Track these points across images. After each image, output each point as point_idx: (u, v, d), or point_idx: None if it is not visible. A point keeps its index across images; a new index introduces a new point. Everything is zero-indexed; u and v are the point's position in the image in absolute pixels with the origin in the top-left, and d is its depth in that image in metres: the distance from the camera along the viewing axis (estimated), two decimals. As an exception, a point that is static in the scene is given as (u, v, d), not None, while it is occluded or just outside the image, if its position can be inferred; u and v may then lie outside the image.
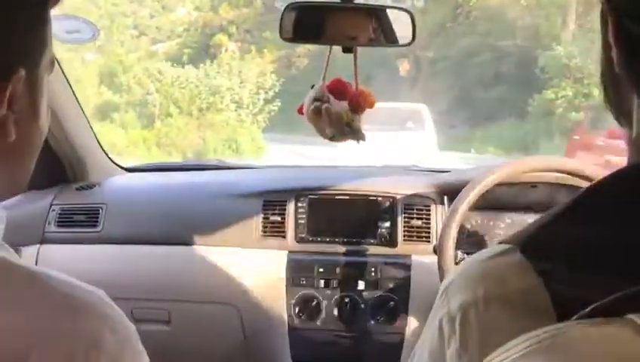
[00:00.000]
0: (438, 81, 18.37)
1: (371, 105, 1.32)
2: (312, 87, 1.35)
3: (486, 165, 1.78)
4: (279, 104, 15.58)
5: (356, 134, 1.31)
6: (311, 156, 10.30)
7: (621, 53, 0.54)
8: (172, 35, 21.27)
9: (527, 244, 0.53)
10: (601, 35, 0.58)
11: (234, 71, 16.51)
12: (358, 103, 1.29)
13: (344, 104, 1.30)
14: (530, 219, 1.06)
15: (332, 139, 1.32)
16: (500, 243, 0.57)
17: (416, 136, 10.86)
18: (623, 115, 0.60)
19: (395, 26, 1.31)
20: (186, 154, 13.84)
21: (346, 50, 1.28)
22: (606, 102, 0.62)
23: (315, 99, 1.31)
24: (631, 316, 0.37)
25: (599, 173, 1.48)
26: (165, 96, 15.60)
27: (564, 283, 0.48)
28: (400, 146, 9.39)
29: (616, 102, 0.60)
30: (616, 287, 0.41)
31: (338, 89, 1.32)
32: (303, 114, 1.35)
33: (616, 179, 0.53)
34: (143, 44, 21.26)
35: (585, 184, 1.46)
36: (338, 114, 1.28)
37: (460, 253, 1.69)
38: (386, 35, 1.32)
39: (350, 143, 1.38)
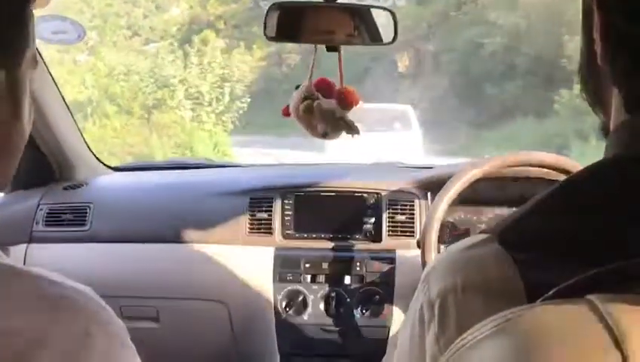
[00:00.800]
0: (442, 76, 16.45)
1: (357, 102, 1.33)
2: (297, 87, 1.37)
3: (469, 161, 1.81)
4: (248, 100, 13.78)
5: (350, 128, 1.32)
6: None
7: (606, 48, 0.55)
8: (165, 35, 20.90)
9: (505, 234, 0.55)
10: (583, 29, 0.60)
11: (217, 70, 14.14)
12: (346, 100, 1.31)
13: (333, 101, 1.32)
14: (509, 212, 1.09)
15: (325, 136, 1.33)
16: (480, 233, 0.59)
17: (403, 137, 10.98)
18: (600, 105, 0.62)
19: (377, 25, 1.33)
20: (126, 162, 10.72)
21: (330, 48, 1.30)
22: (583, 93, 0.64)
23: (305, 98, 1.33)
24: (589, 296, 0.39)
25: (579, 166, 1.51)
26: (100, 90, 13.39)
27: (537, 270, 0.50)
28: (387, 147, 9.32)
29: (595, 94, 0.62)
30: (581, 273, 0.43)
31: (324, 87, 1.34)
32: (288, 115, 1.36)
33: (592, 171, 0.55)
34: (135, 44, 21.06)
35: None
36: (331, 110, 1.30)
37: (443, 247, 1.72)
38: (368, 34, 1.34)
39: (337, 143, 1.39)
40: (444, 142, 11.74)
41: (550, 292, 0.43)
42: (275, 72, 19.94)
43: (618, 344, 0.36)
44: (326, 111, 1.30)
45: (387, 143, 9.71)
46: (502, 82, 14.86)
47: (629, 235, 0.47)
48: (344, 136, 1.36)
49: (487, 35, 15.55)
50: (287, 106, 1.38)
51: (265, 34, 1.31)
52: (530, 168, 1.66)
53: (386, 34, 1.31)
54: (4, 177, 0.69)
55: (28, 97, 0.68)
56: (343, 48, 1.33)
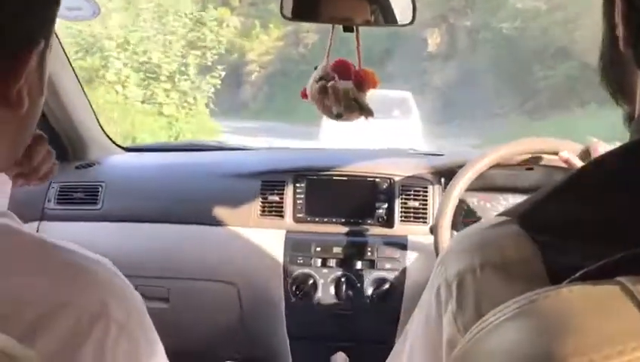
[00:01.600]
0: (480, 56, 14.51)
1: (375, 85, 1.32)
2: (315, 68, 1.36)
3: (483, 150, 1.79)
4: (222, 73, 11.29)
5: (364, 110, 1.31)
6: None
7: (630, 31, 0.54)
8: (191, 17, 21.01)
9: (525, 217, 0.54)
10: (604, 15, 0.59)
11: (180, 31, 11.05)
12: (363, 81, 1.29)
13: (349, 82, 1.30)
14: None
15: (338, 117, 1.31)
16: (498, 216, 0.58)
17: (402, 125, 10.79)
18: (623, 94, 0.61)
19: (394, 6, 1.32)
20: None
21: (347, 29, 1.29)
22: (603, 82, 0.63)
23: (321, 78, 1.32)
24: (620, 278, 0.38)
25: (596, 154, 1.49)
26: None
27: (559, 253, 0.49)
28: (384, 135, 9.08)
29: (618, 82, 0.61)
30: (608, 256, 0.42)
31: (342, 68, 1.33)
32: (306, 97, 1.35)
33: (614, 155, 0.54)
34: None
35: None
36: (345, 90, 1.28)
37: (455, 233, 1.70)
38: (385, 15, 1.33)
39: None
40: (482, 134, 10.84)
41: (578, 274, 0.42)
42: (292, 53, 19.57)
43: None
44: (340, 92, 1.28)
45: (385, 130, 9.38)
46: (555, 63, 12.77)
47: None
48: (358, 118, 1.34)
49: (536, 11, 13.31)
50: (305, 89, 1.36)
51: (281, 13, 1.30)
52: (545, 156, 1.63)
53: (404, 14, 1.30)
54: (22, 147, 0.70)
55: (47, 73, 0.69)
56: (361, 28, 1.31)
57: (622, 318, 0.36)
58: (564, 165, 1.56)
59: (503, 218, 0.56)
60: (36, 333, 0.57)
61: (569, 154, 1.46)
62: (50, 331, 0.58)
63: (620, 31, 0.55)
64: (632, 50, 0.54)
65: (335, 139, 9.30)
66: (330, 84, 1.28)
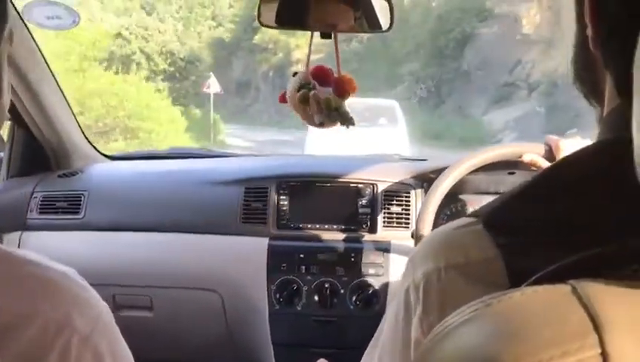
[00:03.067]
0: None
1: (354, 91, 1.32)
2: (294, 74, 1.36)
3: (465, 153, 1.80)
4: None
5: (345, 119, 1.31)
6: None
7: (597, 31, 0.55)
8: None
9: (490, 218, 0.55)
10: (576, 15, 0.59)
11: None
12: (343, 89, 1.30)
13: (329, 90, 1.31)
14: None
15: (321, 125, 1.32)
16: (467, 216, 0.59)
17: (389, 133, 10.96)
18: (594, 94, 0.62)
19: (376, 11, 1.32)
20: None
21: (325, 35, 1.29)
22: (576, 82, 0.64)
23: (301, 87, 1.32)
24: (571, 281, 0.39)
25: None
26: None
27: (519, 255, 0.50)
28: (372, 141, 9.15)
29: (589, 82, 0.62)
30: (566, 259, 0.42)
31: (321, 76, 1.33)
32: (285, 102, 1.35)
33: (578, 157, 0.54)
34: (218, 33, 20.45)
35: None
36: (327, 100, 1.29)
37: None
38: (368, 21, 1.33)
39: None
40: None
41: (532, 278, 0.43)
42: (344, 50, 18.85)
43: (597, 327, 0.35)
44: (322, 102, 1.28)
45: (372, 138, 9.54)
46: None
47: (611, 220, 0.47)
48: (340, 126, 1.35)
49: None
50: (284, 93, 1.37)
51: (259, 21, 1.30)
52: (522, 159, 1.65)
53: (384, 20, 1.31)
54: None
55: (6, 74, 0.68)
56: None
57: (568, 320, 0.36)
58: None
59: (470, 219, 0.57)
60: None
61: (532, 155, 1.47)
62: (13, 342, 0.57)
63: (589, 31, 0.56)
64: (600, 51, 0.55)
65: (322, 147, 9.38)
66: (311, 93, 1.28)
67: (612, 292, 0.38)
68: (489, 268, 0.51)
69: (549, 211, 0.51)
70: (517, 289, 0.41)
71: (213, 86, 18.12)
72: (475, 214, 0.57)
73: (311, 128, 10.67)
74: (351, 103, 1.33)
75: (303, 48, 22.42)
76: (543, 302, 0.39)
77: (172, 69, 26.31)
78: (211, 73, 19.58)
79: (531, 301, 0.39)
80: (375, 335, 0.67)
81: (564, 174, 0.54)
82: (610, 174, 0.50)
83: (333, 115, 1.30)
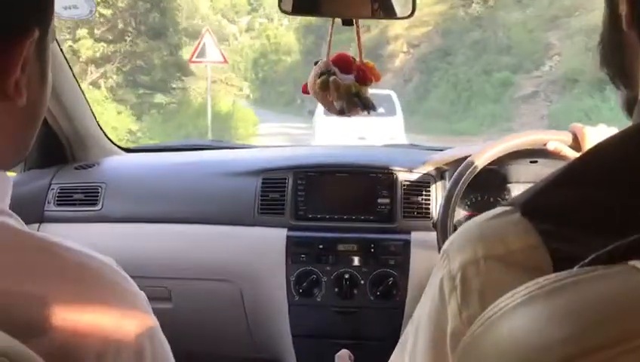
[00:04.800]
0: None
1: (378, 78, 1.30)
2: (316, 63, 1.34)
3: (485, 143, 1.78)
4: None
5: (366, 104, 1.29)
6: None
7: (632, 9, 0.53)
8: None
9: (528, 205, 0.54)
10: None
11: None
12: (365, 75, 1.28)
13: (350, 77, 1.29)
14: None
15: (341, 112, 1.30)
16: (501, 206, 0.57)
17: (387, 121, 11.61)
18: (623, 77, 0.60)
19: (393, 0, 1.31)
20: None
21: (346, 22, 1.27)
22: (602, 65, 0.62)
23: (321, 74, 1.30)
24: (631, 262, 0.37)
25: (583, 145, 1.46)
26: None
27: (563, 241, 0.49)
28: (373, 129, 10.24)
29: (617, 65, 0.60)
30: (609, 244, 0.41)
31: (343, 63, 1.31)
32: (307, 93, 1.33)
33: (616, 141, 0.53)
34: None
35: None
36: (346, 85, 1.27)
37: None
38: (386, 8, 1.31)
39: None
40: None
41: (587, 259, 0.41)
42: (457, 20, 16.39)
43: None
44: (342, 87, 1.26)
45: (372, 127, 10.40)
46: None
47: None
48: (360, 113, 1.33)
49: None
50: (305, 85, 1.35)
51: (280, 7, 1.28)
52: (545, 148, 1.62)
53: (405, 7, 1.29)
54: (26, 144, 0.69)
55: (50, 66, 0.68)
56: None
57: (632, 302, 0.35)
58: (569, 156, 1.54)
59: (505, 208, 0.56)
60: (42, 334, 0.56)
61: (556, 143, 1.44)
62: (56, 331, 0.57)
63: (623, 9, 0.54)
64: (636, 30, 0.53)
65: (329, 137, 10.01)
66: (332, 79, 1.26)
67: None
68: (531, 256, 0.50)
69: (589, 197, 0.50)
70: (574, 271, 0.39)
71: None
72: (510, 203, 0.56)
73: (317, 119, 11.11)
74: None
75: (403, 21, 20.02)
76: (605, 280, 0.37)
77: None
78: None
79: (592, 280, 0.38)
80: (407, 327, 0.66)
81: (603, 159, 0.52)
82: None
83: (354, 100, 1.28)
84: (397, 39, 19.90)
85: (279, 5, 1.28)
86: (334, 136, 9.61)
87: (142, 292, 0.67)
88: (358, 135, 9.99)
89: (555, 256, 0.49)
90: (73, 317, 0.58)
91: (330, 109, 1.30)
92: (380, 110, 11.68)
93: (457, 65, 15.90)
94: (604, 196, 0.49)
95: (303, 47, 25.75)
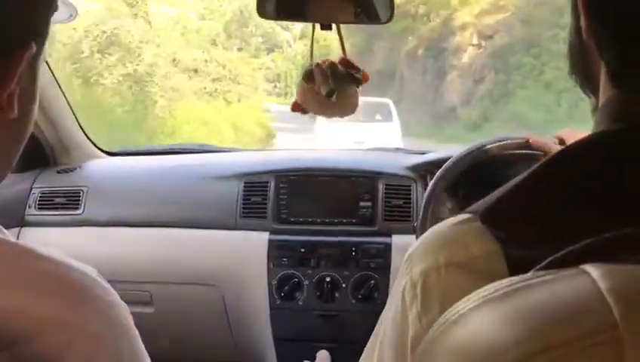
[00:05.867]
0: None
1: (366, 78, 1.28)
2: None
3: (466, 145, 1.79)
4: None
5: (354, 77, 1.25)
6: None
7: (589, 21, 0.55)
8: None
9: (487, 213, 0.55)
10: (571, 5, 0.59)
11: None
12: (350, 62, 1.26)
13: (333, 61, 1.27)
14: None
15: (330, 95, 1.25)
16: (463, 213, 0.58)
17: (384, 128, 12.03)
18: (589, 84, 0.61)
19: (375, 4, 1.31)
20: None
21: (325, 27, 1.28)
22: (571, 73, 0.64)
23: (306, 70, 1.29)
24: (583, 266, 0.38)
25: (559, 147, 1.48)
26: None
27: (519, 247, 0.50)
28: (370, 135, 10.58)
29: (584, 72, 0.61)
30: (563, 249, 0.42)
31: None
32: (298, 109, 1.31)
33: (576, 148, 0.54)
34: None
35: None
36: (331, 63, 1.25)
37: None
38: (368, 13, 1.32)
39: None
40: None
41: (543, 264, 0.42)
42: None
43: (607, 306, 0.35)
44: (325, 66, 1.24)
45: (369, 133, 10.85)
46: None
47: (611, 210, 0.47)
48: (351, 91, 1.28)
49: None
50: (295, 101, 1.32)
51: (259, 12, 1.28)
52: (529, 151, 1.63)
53: (384, 12, 1.29)
54: (14, 156, 0.69)
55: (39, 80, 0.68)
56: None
57: (585, 307, 0.36)
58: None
59: (468, 215, 0.57)
60: (16, 346, 0.55)
61: (540, 139, 1.46)
62: (31, 347, 0.56)
63: (582, 21, 0.55)
64: (593, 41, 0.55)
65: (329, 142, 10.38)
66: (315, 64, 1.25)
67: (625, 276, 0.37)
68: (491, 262, 0.51)
69: (547, 203, 0.52)
70: (528, 275, 0.41)
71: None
72: (472, 210, 0.57)
73: (317, 125, 11.29)
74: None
75: (471, 4, 15.44)
76: (558, 284, 0.38)
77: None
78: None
79: (545, 284, 0.39)
80: (374, 331, 0.67)
81: (561, 167, 0.54)
82: (609, 165, 0.50)
83: (340, 72, 1.24)
84: (464, 29, 15.61)
85: (258, 10, 1.28)
86: (333, 141, 10.02)
87: (122, 302, 0.65)
88: (356, 140, 10.29)
89: (510, 261, 0.50)
90: (49, 331, 0.57)
91: (320, 102, 1.26)
92: (377, 117, 12.41)
93: (545, 60, 12.56)
94: (560, 204, 0.51)
95: (353, 48, 21.59)
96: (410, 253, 0.60)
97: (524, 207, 0.53)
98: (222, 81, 15.99)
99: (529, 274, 0.41)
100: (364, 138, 10.29)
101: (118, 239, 1.91)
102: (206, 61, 15.88)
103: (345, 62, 1.26)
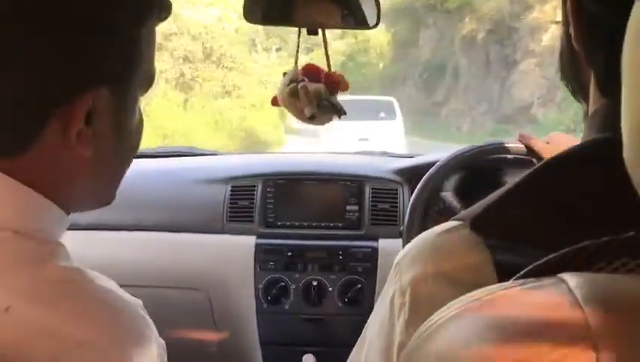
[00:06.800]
0: None
1: (346, 88, 1.30)
2: (284, 74, 1.34)
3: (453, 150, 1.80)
4: None
5: (336, 109, 1.28)
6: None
7: (578, 29, 0.55)
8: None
9: (477, 220, 0.55)
10: (562, 13, 0.60)
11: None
12: (334, 82, 1.28)
13: (320, 84, 1.29)
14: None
15: (312, 119, 1.29)
16: (452, 220, 0.58)
17: (388, 125, 12.26)
18: (580, 91, 0.62)
19: (363, 8, 1.31)
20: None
21: (311, 32, 1.28)
22: (562, 79, 0.64)
23: (290, 82, 1.30)
24: (561, 275, 0.38)
25: (547, 149, 1.48)
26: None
27: (508, 255, 0.50)
28: (374, 133, 11.03)
29: (574, 79, 0.62)
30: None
31: (311, 72, 1.31)
32: (277, 104, 1.33)
33: (566, 157, 0.55)
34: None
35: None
36: (317, 89, 1.26)
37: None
38: (355, 18, 1.32)
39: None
40: None
41: (521, 273, 0.42)
42: None
43: (583, 315, 0.35)
44: (312, 93, 1.26)
45: (373, 130, 11.25)
46: None
47: (596, 219, 0.47)
48: (331, 119, 1.32)
49: None
50: (275, 97, 1.34)
51: (245, 17, 1.28)
52: (509, 156, 1.64)
53: (371, 17, 1.30)
54: (103, 190, 0.75)
55: (135, 117, 0.70)
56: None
57: (560, 317, 0.36)
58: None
59: (457, 222, 0.57)
60: None
61: (532, 138, 1.47)
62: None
63: (571, 29, 0.56)
64: (582, 48, 0.56)
65: (333, 141, 10.42)
66: (300, 85, 1.26)
67: (602, 285, 0.37)
68: (479, 271, 0.51)
69: (536, 211, 0.52)
70: (507, 284, 0.41)
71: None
72: (460, 218, 0.57)
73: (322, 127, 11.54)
74: (354, 100, 1.31)
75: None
76: (534, 292, 0.38)
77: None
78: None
79: (522, 293, 0.39)
80: (360, 336, 0.67)
81: (552, 175, 0.54)
82: (598, 174, 0.50)
83: (324, 104, 1.27)
84: (544, 1, 12.30)
85: (245, 15, 1.28)
86: (337, 139, 10.12)
87: (161, 340, 0.69)
88: (360, 137, 10.72)
89: (500, 269, 0.50)
90: (80, 353, 0.59)
91: (299, 117, 1.30)
92: (381, 114, 12.67)
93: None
94: (548, 213, 0.51)
95: (393, 39, 19.65)
96: (398, 261, 0.60)
97: (514, 214, 0.53)
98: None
99: (508, 283, 0.41)
100: (368, 135, 10.86)
101: (102, 242, 1.89)
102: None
103: (330, 81, 1.27)
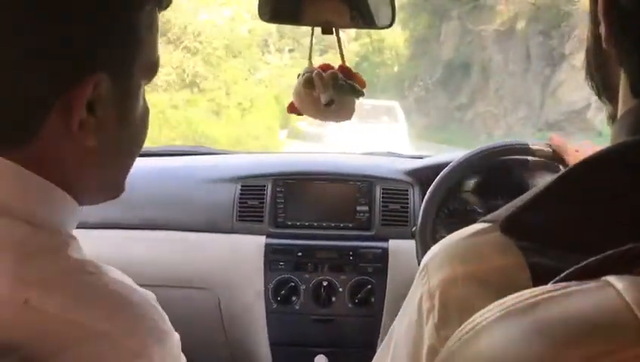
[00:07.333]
0: None
1: (362, 83, 1.27)
2: (298, 76, 1.32)
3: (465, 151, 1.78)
4: None
5: (355, 89, 1.25)
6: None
7: (610, 28, 0.54)
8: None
9: (508, 223, 0.54)
10: (590, 11, 0.59)
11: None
12: (349, 70, 1.26)
13: (334, 70, 1.27)
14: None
15: (329, 105, 1.25)
16: (480, 221, 0.57)
17: (391, 129, 12.49)
18: (606, 91, 0.60)
19: (374, 8, 1.30)
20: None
21: (326, 31, 1.27)
22: (588, 79, 0.63)
23: (305, 74, 1.28)
24: (606, 278, 0.38)
25: (575, 156, 1.47)
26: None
27: (542, 258, 0.49)
28: (377, 137, 11.09)
29: (602, 79, 0.61)
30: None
31: (326, 68, 1.30)
32: (294, 111, 1.30)
33: (597, 159, 0.53)
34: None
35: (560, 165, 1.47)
36: (332, 73, 1.24)
37: (438, 237, 1.69)
38: (365, 18, 1.31)
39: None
40: None
41: (562, 275, 0.41)
42: None
43: (636, 318, 0.34)
44: (326, 76, 1.23)
45: (377, 134, 11.41)
46: None
47: (631, 222, 0.47)
48: (350, 102, 1.28)
49: None
50: (292, 103, 1.31)
51: (259, 15, 1.27)
52: (529, 157, 1.62)
53: (384, 16, 1.29)
54: (109, 180, 0.74)
55: (140, 105, 0.69)
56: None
57: (608, 314, 0.35)
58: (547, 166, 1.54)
59: (486, 224, 0.56)
60: (66, 354, 0.58)
61: (560, 139, 1.46)
62: (80, 356, 0.58)
63: (602, 28, 0.54)
64: (614, 48, 0.54)
65: (339, 143, 10.78)
66: (315, 72, 1.24)
67: None
68: (510, 274, 0.50)
69: (569, 215, 0.51)
70: (549, 286, 0.40)
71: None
72: (489, 220, 0.56)
73: (327, 128, 11.77)
74: (358, 103, 1.28)
75: None
76: (580, 295, 0.37)
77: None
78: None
79: (567, 295, 0.38)
80: (385, 340, 0.66)
81: (583, 177, 0.53)
82: (631, 177, 0.49)
83: (340, 83, 1.24)
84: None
85: (259, 12, 1.27)
86: (344, 142, 10.40)
87: (176, 333, 0.69)
88: (363, 140, 10.91)
89: (534, 271, 0.49)
90: (100, 345, 0.59)
91: (316, 112, 1.26)
92: (384, 118, 12.94)
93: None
94: (582, 215, 0.50)
95: (411, 35, 17.76)
96: (425, 263, 0.59)
97: (546, 218, 0.52)
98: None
99: (548, 286, 0.40)
100: (371, 139, 10.86)
101: (111, 241, 1.88)
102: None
103: (345, 70, 1.25)
